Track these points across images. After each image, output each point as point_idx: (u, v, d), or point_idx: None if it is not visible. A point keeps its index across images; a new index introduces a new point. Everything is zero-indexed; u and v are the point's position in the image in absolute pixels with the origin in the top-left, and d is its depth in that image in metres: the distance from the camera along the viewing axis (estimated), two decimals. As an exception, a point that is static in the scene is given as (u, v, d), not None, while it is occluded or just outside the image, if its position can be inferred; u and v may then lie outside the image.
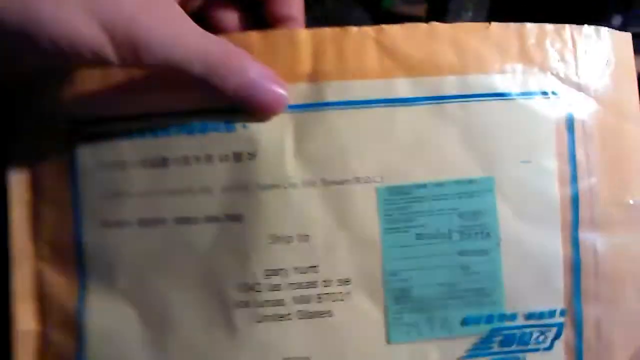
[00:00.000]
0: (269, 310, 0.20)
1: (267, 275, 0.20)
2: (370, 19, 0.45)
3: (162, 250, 0.21)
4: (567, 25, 0.22)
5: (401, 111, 0.20)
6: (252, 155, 0.20)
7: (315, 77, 0.20)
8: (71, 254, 0.21)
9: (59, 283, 0.21)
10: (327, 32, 0.21)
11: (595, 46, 0.22)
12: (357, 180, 0.20)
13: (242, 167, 0.20)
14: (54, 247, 0.22)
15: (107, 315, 0.21)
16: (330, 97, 0.20)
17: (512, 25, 0.21)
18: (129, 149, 0.21)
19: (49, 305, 0.22)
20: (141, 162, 0.21)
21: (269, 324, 0.20)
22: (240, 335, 0.20)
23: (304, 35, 0.20)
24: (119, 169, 0.21)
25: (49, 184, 0.22)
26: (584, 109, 0.21)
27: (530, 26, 0.21)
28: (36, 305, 0.22)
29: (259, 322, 0.20)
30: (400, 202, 0.20)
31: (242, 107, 0.19)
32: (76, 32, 0.15)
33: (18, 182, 0.22)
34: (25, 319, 0.22)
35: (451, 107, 0.21)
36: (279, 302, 0.20)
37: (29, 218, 0.22)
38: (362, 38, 0.21)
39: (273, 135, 0.20)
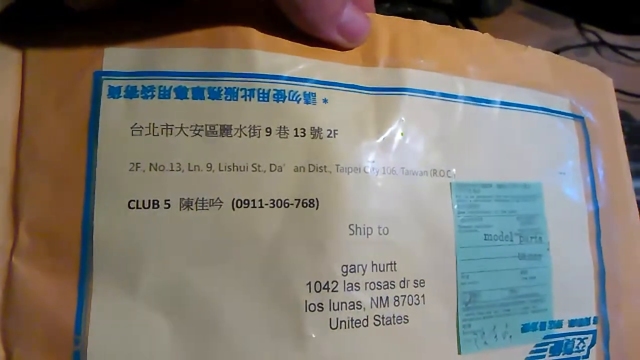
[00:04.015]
0: (345, 315, 0.17)
1: (344, 272, 0.17)
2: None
3: (211, 239, 0.16)
4: (583, 65, 0.25)
5: (476, 110, 0.20)
6: (332, 133, 0.18)
7: (393, 62, 0.19)
8: (71, 245, 0.16)
9: (46, 287, 0.15)
10: (403, 22, 0.20)
11: (601, 84, 0.25)
12: (434, 172, 0.19)
13: (320, 145, 0.17)
14: (42, 234, 0.16)
15: (121, 329, 0.16)
16: (410, 84, 0.19)
17: (544, 52, 0.24)
18: (179, 110, 0.17)
19: (27, 321, 0.15)
20: (194, 128, 0.17)
21: (343, 332, 0.17)
22: (312, 345, 0.16)
23: (380, 20, 0.20)
24: (163, 134, 0.16)
25: (50, 145, 0.16)
26: (595, 134, 0.24)
27: (556, 57, 0.24)
28: (4, 321, 0.15)
29: (334, 329, 0.17)
30: (470, 200, 0.20)
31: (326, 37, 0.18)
32: None
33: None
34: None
35: (509, 113, 0.21)
36: (357, 305, 0.17)
37: (5, 192, 0.16)
38: (433, 33, 0.20)
39: (355, 114, 0.18)
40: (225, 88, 0.17)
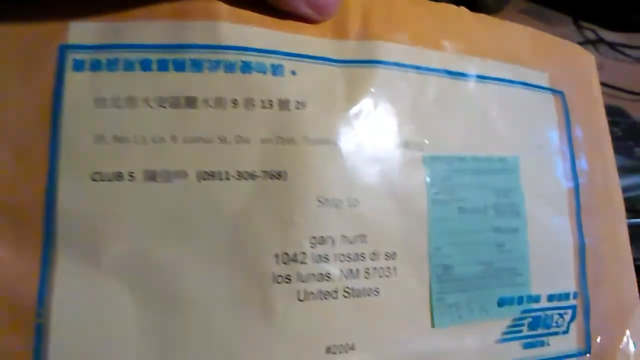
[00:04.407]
0: (314, 287, 0.17)
1: (313, 244, 0.17)
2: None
3: (176, 211, 0.16)
4: (564, 40, 0.24)
5: (451, 83, 0.20)
6: (301, 105, 0.17)
7: (365, 35, 0.19)
8: (35, 218, 0.16)
9: (9, 260, 0.15)
10: None
11: (582, 59, 0.25)
12: (406, 145, 0.19)
13: (288, 117, 0.17)
14: (6, 207, 0.16)
15: (85, 302, 0.15)
16: (383, 57, 0.19)
17: (525, 28, 0.23)
18: (143, 82, 0.16)
19: None
20: (158, 99, 0.16)
21: (312, 303, 0.17)
22: (279, 318, 0.16)
23: None
24: (127, 106, 0.16)
25: (14, 118, 0.16)
26: (575, 109, 0.24)
27: (537, 32, 0.24)
28: None
29: (302, 300, 0.17)
30: (443, 173, 0.19)
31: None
32: None
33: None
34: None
35: (485, 86, 0.21)
36: (326, 277, 0.17)
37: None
38: (407, 5, 0.20)
39: (324, 86, 0.18)
40: (191, 59, 0.17)
